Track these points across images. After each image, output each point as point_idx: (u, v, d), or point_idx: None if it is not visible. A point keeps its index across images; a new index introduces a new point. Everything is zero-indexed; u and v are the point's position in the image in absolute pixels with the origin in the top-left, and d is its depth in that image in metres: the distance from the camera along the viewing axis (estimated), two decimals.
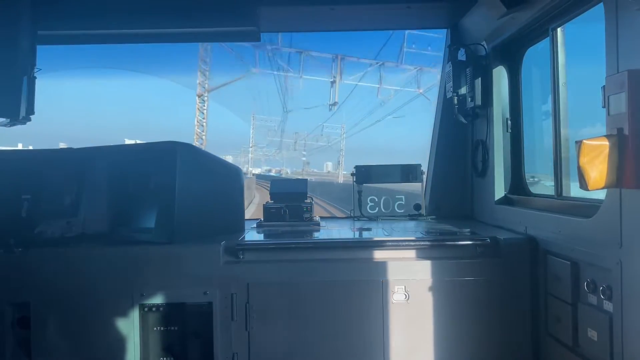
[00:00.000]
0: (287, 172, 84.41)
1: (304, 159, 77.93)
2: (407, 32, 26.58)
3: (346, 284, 3.35)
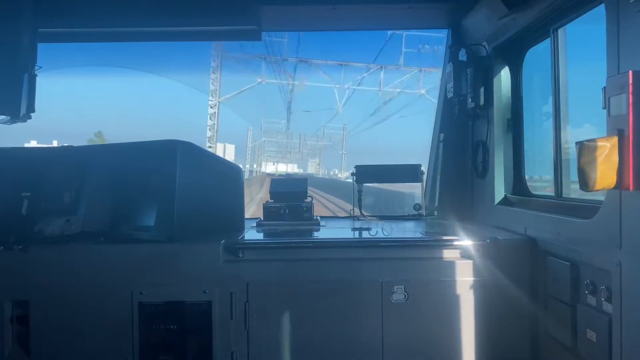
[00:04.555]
0: None
1: None
2: (405, 33, 27.69)
3: (345, 284, 3.35)
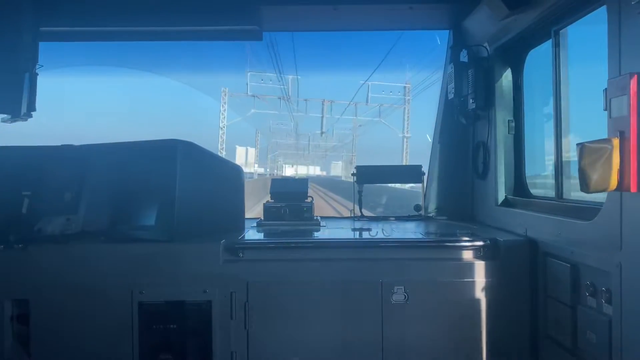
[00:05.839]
0: None
1: None
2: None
3: (345, 284, 3.35)
